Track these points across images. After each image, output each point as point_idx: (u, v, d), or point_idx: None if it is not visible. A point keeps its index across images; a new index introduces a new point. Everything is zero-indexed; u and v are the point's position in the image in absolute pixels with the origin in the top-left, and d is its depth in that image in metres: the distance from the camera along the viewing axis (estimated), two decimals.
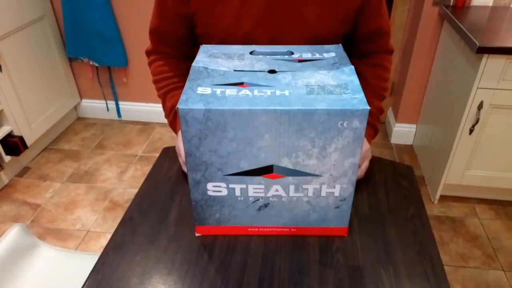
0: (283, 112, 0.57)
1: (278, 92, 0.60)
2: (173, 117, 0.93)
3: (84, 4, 2.11)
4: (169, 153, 0.96)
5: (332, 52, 0.72)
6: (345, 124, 0.58)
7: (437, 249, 0.71)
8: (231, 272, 0.67)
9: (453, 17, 1.73)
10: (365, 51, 0.94)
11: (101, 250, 0.72)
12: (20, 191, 2.01)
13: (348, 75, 0.64)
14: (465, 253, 1.68)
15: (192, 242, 0.73)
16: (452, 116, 1.74)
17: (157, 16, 0.90)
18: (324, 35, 0.86)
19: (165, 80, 0.94)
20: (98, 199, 1.96)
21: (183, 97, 0.59)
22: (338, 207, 0.69)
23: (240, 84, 0.62)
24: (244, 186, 0.66)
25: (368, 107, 0.57)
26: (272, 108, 0.57)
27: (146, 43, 0.97)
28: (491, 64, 1.49)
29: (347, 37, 0.92)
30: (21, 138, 1.99)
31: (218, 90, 0.60)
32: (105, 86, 2.49)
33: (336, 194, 0.67)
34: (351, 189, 0.66)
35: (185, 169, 0.83)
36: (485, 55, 1.47)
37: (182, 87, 0.86)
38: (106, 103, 2.56)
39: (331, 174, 0.64)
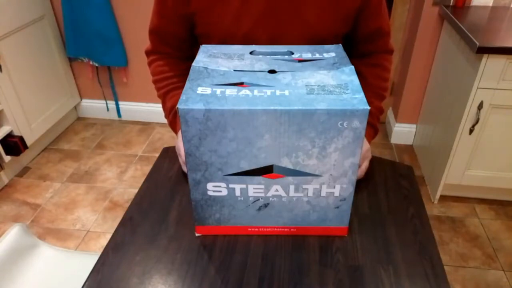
0: (283, 112, 0.57)
1: (278, 92, 0.60)
2: (173, 117, 0.93)
3: (84, 4, 2.11)
4: (169, 153, 0.96)
5: (332, 52, 0.72)
6: (345, 124, 0.58)
7: (437, 249, 0.71)
8: (231, 272, 0.67)
9: (453, 17, 1.73)
10: (365, 51, 0.94)
11: (101, 250, 0.72)
12: (20, 191, 2.01)
13: (348, 75, 0.64)
14: (465, 253, 1.68)
15: (192, 242, 0.73)
16: (452, 116, 1.75)
17: (157, 16, 0.90)
18: (324, 35, 0.85)
19: (165, 80, 0.94)
20: (98, 199, 1.96)
21: (183, 97, 0.59)
22: (338, 207, 0.69)
23: (240, 84, 0.62)
24: (244, 186, 0.66)
25: (368, 107, 0.57)
26: (272, 108, 0.57)
27: (146, 43, 0.97)
28: (491, 64, 1.49)
29: (347, 37, 0.92)
30: (21, 138, 1.99)
31: (218, 90, 0.60)
32: (105, 86, 2.49)
33: (336, 194, 0.67)
34: (351, 189, 0.66)
35: (185, 169, 0.83)
36: (485, 55, 1.47)
37: (182, 87, 0.86)
38: (106, 103, 2.56)
39: (331, 174, 0.64)
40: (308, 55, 0.70)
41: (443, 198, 1.94)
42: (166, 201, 0.82)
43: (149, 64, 0.98)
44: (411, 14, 2.11)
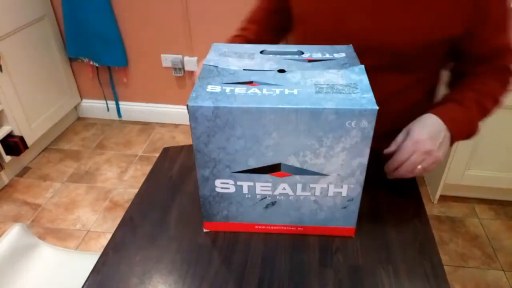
0: (291, 111, 0.58)
1: (287, 91, 0.60)
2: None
3: (85, 4, 2.11)
4: (169, 153, 0.96)
5: (343, 52, 0.72)
6: (353, 123, 0.58)
7: (437, 249, 0.71)
8: (231, 272, 0.67)
9: None
10: (481, 71, 0.80)
11: (101, 250, 0.72)
12: (20, 191, 2.01)
13: (358, 75, 0.64)
14: (465, 253, 1.68)
15: (192, 242, 0.73)
16: None
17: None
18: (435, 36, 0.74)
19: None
20: (98, 199, 1.96)
21: (193, 94, 0.60)
22: (345, 207, 0.69)
23: (250, 83, 0.62)
24: (251, 183, 0.67)
25: (377, 107, 0.57)
26: (280, 106, 0.57)
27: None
28: None
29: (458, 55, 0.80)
30: (21, 138, 1.99)
31: (228, 89, 0.61)
32: (105, 86, 2.50)
33: (344, 194, 0.67)
34: (359, 190, 0.67)
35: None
36: None
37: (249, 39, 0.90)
38: (106, 103, 2.56)
39: (338, 174, 0.64)
40: (318, 55, 0.71)
41: (443, 198, 1.94)
42: (166, 201, 0.82)
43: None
44: None
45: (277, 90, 0.61)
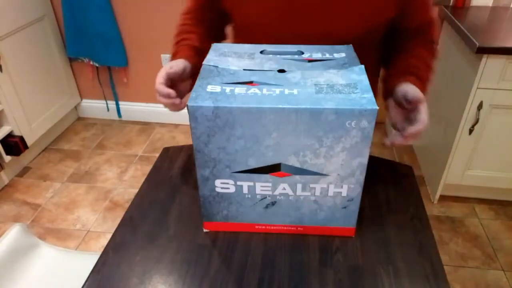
0: (291, 111, 0.58)
1: (286, 91, 0.60)
2: (173, 46, 0.92)
3: (85, 4, 2.11)
4: (169, 153, 0.96)
5: (343, 52, 0.72)
6: (353, 123, 0.58)
7: (437, 249, 0.71)
8: (231, 272, 0.67)
9: (452, 17, 1.73)
10: (411, 44, 0.88)
11: (101, 250, 0.72)
12: (20, 191, 2.01)
13: (358, 75, 0.64)
14: (465, 253, 1.68)
15: (192, 242, 0.73)
16: (452, 116, 1.75)
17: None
18: (374, 21, 0.81)
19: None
20: (98, 199, 1.96)
21: (193, 94, 0.60)
22: (345, 207, 0.69)
23: (250, 83, 0.62)
24: (251, 183, 0.67)
25: (377, 107, 0.57)
26: (280, 106, 0.57)
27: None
28: (491, 64, 1.49)
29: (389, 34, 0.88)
30: (21, 138, 1.99)
31: (228, 89, 0.61)
32: (105, 86, 2.50)
33: (344, 194, 0.67)
34: (358, 190, 0.67)
35: (159, 98, 0.79)
36: (485, 55, 1.47)
37: (196, 34, 0.88)
38: (107, 103, 2.56)
39: (338, 174, 0.64)
40: (318, 55, 0.71)
41: (443, 198, 1.94)
42: (166, 201, 0.82)
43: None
44: None
45: (277, 90, 0.61)
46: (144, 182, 0.87)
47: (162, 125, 2.53)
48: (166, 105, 0.77)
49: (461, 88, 1.66)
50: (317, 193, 0.67)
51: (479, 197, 1.94)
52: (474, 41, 1.47)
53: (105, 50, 2.27)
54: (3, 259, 0.96)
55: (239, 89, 0.61)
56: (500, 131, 1.65)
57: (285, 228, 0.73)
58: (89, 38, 2.23)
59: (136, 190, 0.85)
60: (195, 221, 0.77)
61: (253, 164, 0.64)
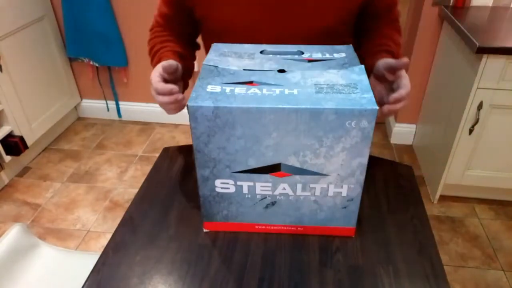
0: (291, 111, 0.58)
1: (286, 91, 0.60)
2: (152, 57, 0.92)
3: (84, 4, 2.11)
4: (169, 153, 0.96)
5: (343, 52, 0.72)
6: (353, 123, 0.58)
7: (437, 249, 0.71)
8: (231, 272, 0.67)
9: (452, 17, 1.73)
10: (374, 27, 0.93)
11: (101, 250, 0.72)
12: (20, 191, 2.01)
13: (358, 75, 0.64)
14: (465, 253, 1.68)
15: (192, 242, 0.73)
16: (452, 116, 1.75)
17: (160, 3, 0.92)
18: (336, 24, 0.85)
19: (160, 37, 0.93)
20: (98, 199, 1.96)
21: (193, 94, 0.60)
22: (345, 207, 0.69)
23: (250, 83, 0.63)
24: (251, 183, 0.67)
25: (377, 107, 0.57)
26: (280, 106, 0.57)
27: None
28: (491, 64, 1.49)
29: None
30: (21, 138, 1.99)
31: (228, 89, 0.61)
32: (105, 86, 2.50)
33: (344, 194, 0.67)
34: (358, 190, 0.67)
35: (153, 94, 0.76)
36: (485, 55, 1.47)
37: (173, 42, 0.89)
38: (107, 103, 2.56)
39: (338, 174, 0.64)
40: (318, 55, 0.71)
41: (443, 198, 1.94)
42: (166, 201, 0.82)
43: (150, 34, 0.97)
44: (411, 14, 2.12)
45: (277, 90, 0.61)
46: (144, 182, 0.87)
47: (162, 125, 2.53)
48: (165, 105, 0.75)
49: (461, 88, 1.66)
50: (317, 193, 0.67)
51: (479, 197, 1.94)
52: (474, 41, 1.47)
53: (105, 50, 2.27)
54: (3, 259, 0.96)
55: (239, 89, 0.61)
56: (500, 131, 1.65)
57: (285, 228, 0.73)
58: (89, 38, 2.23)
59: (136, 190, 0.85)
60: (195, 221, 0.77)
61: (253, 164, 0.64)
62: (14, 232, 1.01)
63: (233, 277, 0.66)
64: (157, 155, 1.12)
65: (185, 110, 0.65)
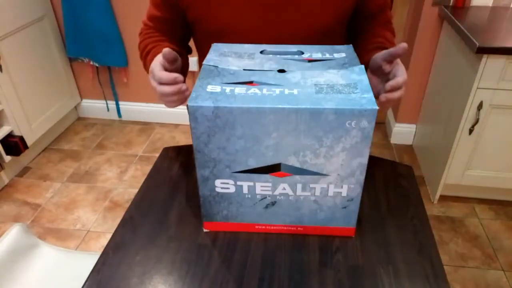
0: (291, 111, 0.58)
1: (287, 91, 0.60)
2: (145, 57, 0.93)
3: (85, 4, 2.11)
4: (169, 153, 0.96)
5: (343, 52, 0.72)
6: (353, 123, 0.58)
7: (437, 249, 0.71)
8: (231, 272, 0.67)
9: (452, 17, 1.73)
10: (368, 27, 0.94)
11: (101, 250, 0.72)
12: (20, 191, 2.01)
13: (358, 75, 0.64)
14: (465, 253, 1.68)
15: (192, 242, 0.73)
16: (451, 116, 1.75)
17: (151, 4, 0.92)
18: (329, 24, 0.85)
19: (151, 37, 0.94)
20: (98, 199, 1.96)
21: (193, 94, 0.60)
22: (345, 207, 0.69)
23: (250, 83, 0.63)
24: (251, 183, 0.67)
25: (377, 107, 0.57)
26: (280, 106, 0.57)
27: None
28: (491, 64, 1.49)
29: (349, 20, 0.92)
30: (21, 138, 1.99)
31: (228, 89, 0.61)
32: (105, 86, 2.50)
33: (344, 194, 0.67)
34: (358, 190, 0.67)
35: (154, 84, 0.74)
36: (485, 55, 1.47)
37: (165, 42, 0.89)
38: (107, 103, 2.56)
39: (338, 174, 0.64)
40: (318, 55, 0.71)
41: (443, 198, 1.94)
42: (166, 201, 0.82)
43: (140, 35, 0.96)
44: (411, 14, 2.12)
45: (277, 90, 0.61)
46: (144, 182, 0.87)
47: (162, 125, 2.53)
48: (168, 96, 0.72)
49: (461, 88, 1.66)
50: (317, 193, 0.67)
51: (479, 197, 1.94)
52: (474, 41, 1.47)
53: (105, 50, 2.27)
54: (3, 259, 0.96)
55: (239, 89, 0.61)
56: (500, 131, 1.65)
57: (285, 228, 0.73)
58: (89, 38, 2.23)
59: (136, 190, 0.85)
60: (195, 221, 0.77)
61: (253, 164, 0.64)
62: (14, 232, 1.01)
63: (233, 277, 0.66)
64: (157, 155, 1.12)
65: (185, 110, 0.64)
